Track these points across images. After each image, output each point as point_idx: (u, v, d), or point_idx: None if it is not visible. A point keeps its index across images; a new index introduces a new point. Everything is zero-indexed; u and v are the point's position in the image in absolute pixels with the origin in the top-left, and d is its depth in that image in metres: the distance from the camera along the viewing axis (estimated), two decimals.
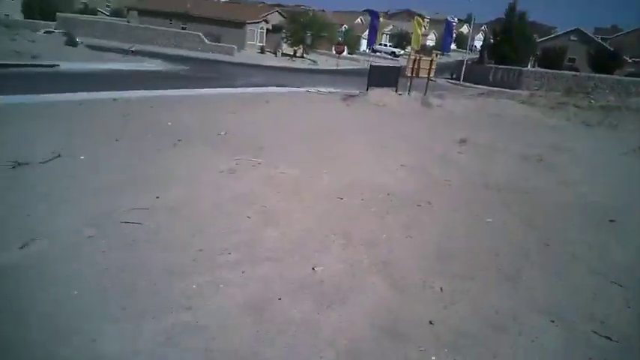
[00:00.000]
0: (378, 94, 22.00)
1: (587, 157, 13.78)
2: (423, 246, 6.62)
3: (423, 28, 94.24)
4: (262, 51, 56.20)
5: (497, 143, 14.46)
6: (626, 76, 44.99)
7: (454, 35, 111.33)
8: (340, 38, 29.70)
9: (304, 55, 57.45)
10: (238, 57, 50.72)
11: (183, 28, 55.17)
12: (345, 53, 60.44)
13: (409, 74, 25.61)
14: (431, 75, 26.56)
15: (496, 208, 8.46)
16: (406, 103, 21.78)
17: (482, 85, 41.66)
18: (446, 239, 6.93)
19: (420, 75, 25.87)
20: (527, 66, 45.60)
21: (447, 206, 8.24)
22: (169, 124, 12.14)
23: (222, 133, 11.72)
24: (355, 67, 50.87)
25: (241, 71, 36.67)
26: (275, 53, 55.92)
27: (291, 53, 57.04)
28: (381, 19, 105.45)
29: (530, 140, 15.48)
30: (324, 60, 54.95)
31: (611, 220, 8.21)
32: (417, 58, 25.99)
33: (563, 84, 39.25)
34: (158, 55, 40.65)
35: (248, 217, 6.81)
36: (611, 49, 47.82)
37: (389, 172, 10.17)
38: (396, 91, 25.11)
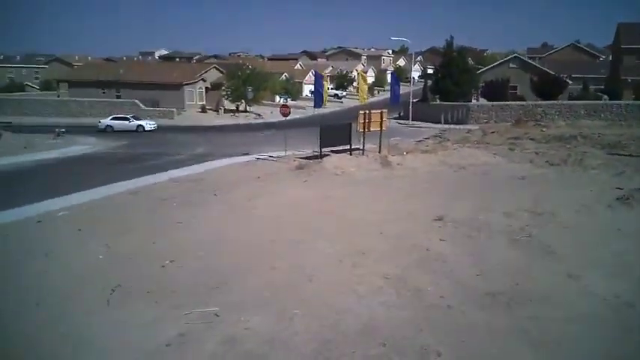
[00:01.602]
0: (334, 160, 20.56)
1: (574, 223, 12.55)
2: None
3: (364, 73, 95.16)
4: (203, 110, 54.40)
5: (477, 216, 13.10)
6: (570, 97, 45.74)
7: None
8: (284, 99, 28.30)
9: (247, 109, 56.07)
10: (179, 120, 48.85)
11: (117, 97, 52.85)
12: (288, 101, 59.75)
13: (360, 130, 24.48)
14: (383, 128, 25.49)
15: (516, 345, 6.85)
16: (365, 165, 20.40)
17: (431, 122, 41.27)
18: None
19: (371, 129, 24.81)
20: (471, 99, 45.64)
21: (459, 356, 6.55)
22: (100, 257, 10.11)
23: (168, 262, 9.76)
24: (302, 117, 49.86)
25: (184, 139, 34.78)
26: (217, 111, 54.27)
27: (234, 108, 55.56)
28: (319, 60, 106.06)
29: (506, 205, 14.21)
30: (269, 112, 53.70)
31: None
32: (367, 112, 24.85)
33: (510, 115, 39.30)
34: (92, 130, 38.25)
35: None
36: (553, 73, 48.52)
37: (371, 292, 8.47)
38: (350, 151, 23.88)
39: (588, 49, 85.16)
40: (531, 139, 30.71)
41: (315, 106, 22.74)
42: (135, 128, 38.99)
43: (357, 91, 26.87)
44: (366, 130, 24.62)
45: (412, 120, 44.02)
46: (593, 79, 56.12)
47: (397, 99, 27.43)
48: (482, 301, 8.15)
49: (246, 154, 26.19)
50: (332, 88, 78.80)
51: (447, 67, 44.90)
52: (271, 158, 24.29)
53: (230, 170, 20.96)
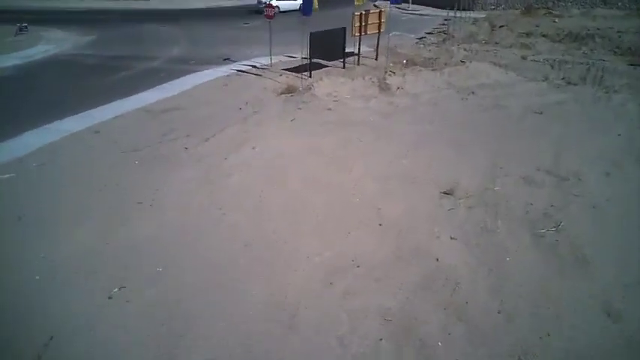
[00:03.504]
0: (326, 84, 17.86)
1: (605, 199, 10.70)
2: None
3: None
4: None
5: (493, 185, 11.17)
6: None
7: None
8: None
9: None
10: (156, 2, 44.35)
11: None
12: None
13: (356, 34, 21.59)
14: (381, 30, 22.50)
15: None
16: (361, 89, 17.80)
17: (433, 7, 37.37)
18: None
19: (368, 32, 21.97)
20: None
21: None
22: (37, 277, 8.21)
23: (116, 289, 7.88)
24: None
25: (160, 32, 31.20)
26: None
27: None
28: None
29: (525, 162, 12.26)
30: None
31: None
32: (363, 13, 21.71)
33: (520, 1, 35.43)
34: (58, 18, 34.20)
35: None
36: None
37: (366, 354, 6.80)
38: (344, 62, 21.21)
39: None
40: (544, 35, 27.78)
41: (303, 14, 19.46)
42: (298, 7, 36.74)
43: None
44: (363, 33, 21.77)
45: (412, 3, 39.80)
46: None
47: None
48: None
49: (227, 59, 23.36)
50: None
51: None
52: (255, 70, 21.46)
53: (208, 93, 18.22)
